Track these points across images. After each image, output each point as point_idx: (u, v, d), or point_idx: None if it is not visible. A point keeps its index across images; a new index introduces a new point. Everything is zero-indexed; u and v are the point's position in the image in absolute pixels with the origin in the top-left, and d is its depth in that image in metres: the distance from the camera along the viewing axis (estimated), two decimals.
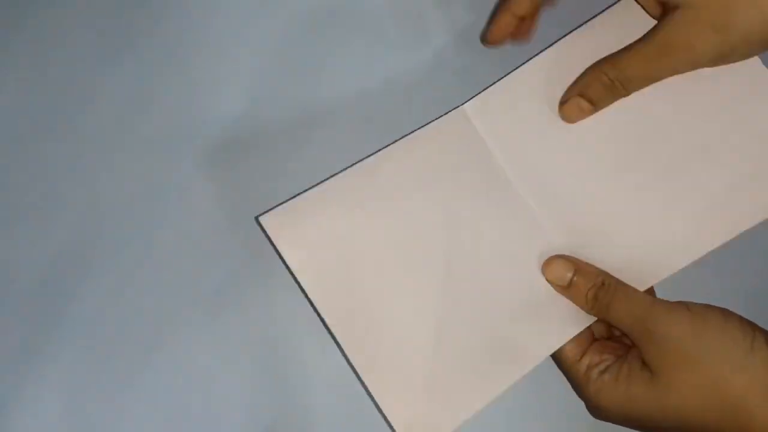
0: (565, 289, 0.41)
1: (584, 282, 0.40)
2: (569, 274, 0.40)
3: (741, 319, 0.38)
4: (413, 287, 0.42)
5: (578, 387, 0.41)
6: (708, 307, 0.38)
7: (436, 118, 0.44)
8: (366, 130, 0.46)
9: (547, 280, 0.41)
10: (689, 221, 0.42)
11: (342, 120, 0.47)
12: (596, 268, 0.41)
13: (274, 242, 0.42)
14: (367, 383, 0.41)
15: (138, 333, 0.45)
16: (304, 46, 0.48)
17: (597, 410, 0.40)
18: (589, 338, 0.42)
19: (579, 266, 0.41)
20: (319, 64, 0.48)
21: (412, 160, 0.43)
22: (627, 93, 0.42)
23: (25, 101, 0.47)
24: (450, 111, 0.44)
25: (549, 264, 0.41)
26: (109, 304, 0.45)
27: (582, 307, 0.41)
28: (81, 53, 0.47)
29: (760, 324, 0.38)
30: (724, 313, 0.38)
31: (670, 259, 0.42)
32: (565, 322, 0.41)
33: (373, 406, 0.42)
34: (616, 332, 0.42)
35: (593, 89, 0.42)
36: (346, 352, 0.41)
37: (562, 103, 0.43)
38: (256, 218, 0.43)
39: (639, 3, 0.43)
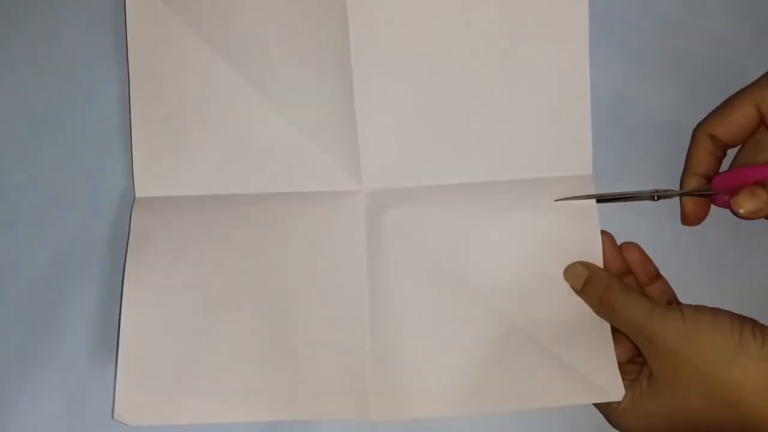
0: (580, 292, 0.42)
1: (594, 285, 0.41)
2: (584, 277, 0.42)
3: (731, 315, 0.38)
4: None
5: (604, 412, 0.42)
6: (699, 307, 0.39)
7: None
8: None
9: (566, 281, 0.43)
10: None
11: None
12: (607, 274, 0.42)
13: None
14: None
15: None
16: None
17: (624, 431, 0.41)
18: None
19: (592, 270, 0.42)
20: None
21: None
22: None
23: (24, 101, 0.47)
24: None
25: (569, 268, 0.43)
26: (109, 304, 0.45)
27: (592, 309, 0.42)
28: (81, 53, 0.47)
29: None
30: (715, 311, 0.38)
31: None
32: None
33: None
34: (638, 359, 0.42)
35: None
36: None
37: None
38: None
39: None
